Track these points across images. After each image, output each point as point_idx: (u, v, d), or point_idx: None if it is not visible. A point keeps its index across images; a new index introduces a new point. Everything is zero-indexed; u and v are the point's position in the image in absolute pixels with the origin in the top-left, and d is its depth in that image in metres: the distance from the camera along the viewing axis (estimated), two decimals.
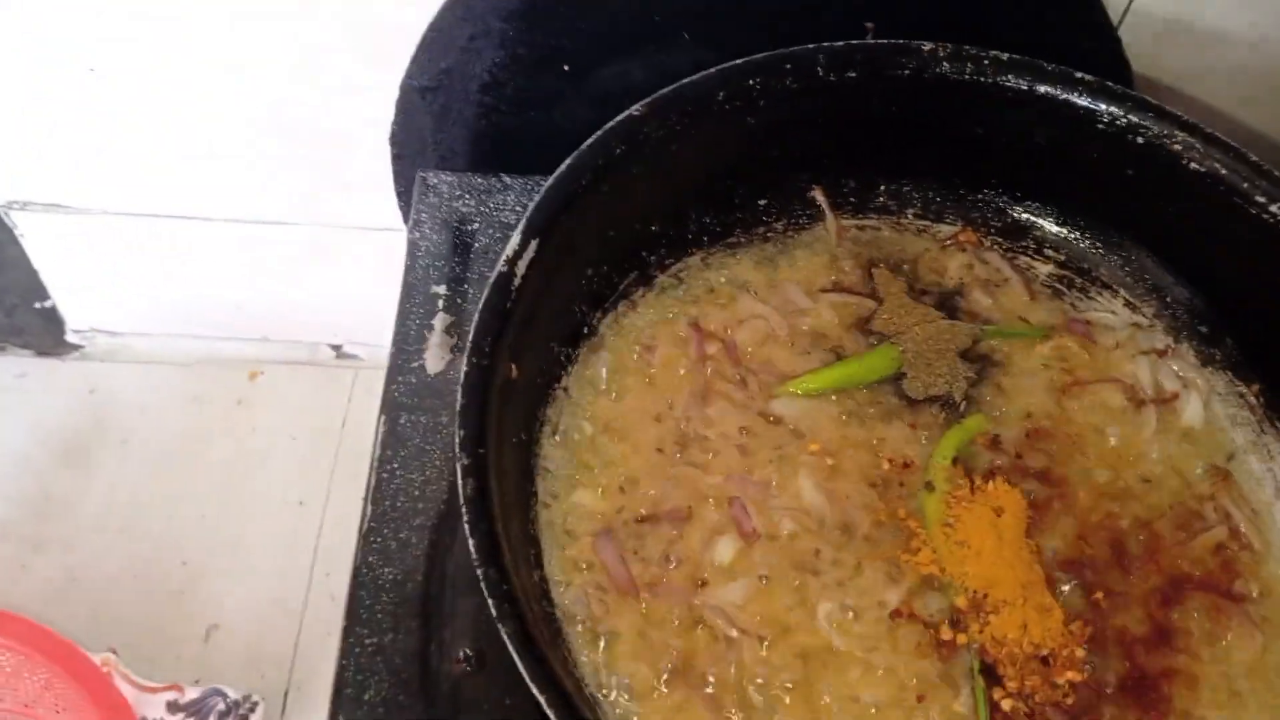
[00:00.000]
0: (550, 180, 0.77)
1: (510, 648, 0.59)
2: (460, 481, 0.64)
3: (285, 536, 1.36)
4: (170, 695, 1.21)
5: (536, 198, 0.76)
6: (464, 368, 0.68)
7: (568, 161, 0.78)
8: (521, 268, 0.73)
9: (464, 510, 0.63)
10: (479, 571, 0.61)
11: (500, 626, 0.60)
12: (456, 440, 0.65)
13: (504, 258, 0.73)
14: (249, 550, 1.35)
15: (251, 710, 1.21)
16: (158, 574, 1.33)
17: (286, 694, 1.26)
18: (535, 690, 0.58)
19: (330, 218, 1.31)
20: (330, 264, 1.36)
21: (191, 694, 1.21)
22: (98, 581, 1.32)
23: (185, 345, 1.48)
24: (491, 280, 0.72)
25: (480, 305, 0.71)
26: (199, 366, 1.47)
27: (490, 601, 0.60)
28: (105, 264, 1.39)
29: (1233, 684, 0.74)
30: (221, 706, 1.21)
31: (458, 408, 0.66)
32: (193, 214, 1.32)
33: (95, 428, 1.43)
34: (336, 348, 1.50)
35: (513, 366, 0.73)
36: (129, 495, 1.38)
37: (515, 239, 0.74)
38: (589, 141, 0.80)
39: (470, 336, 0.69)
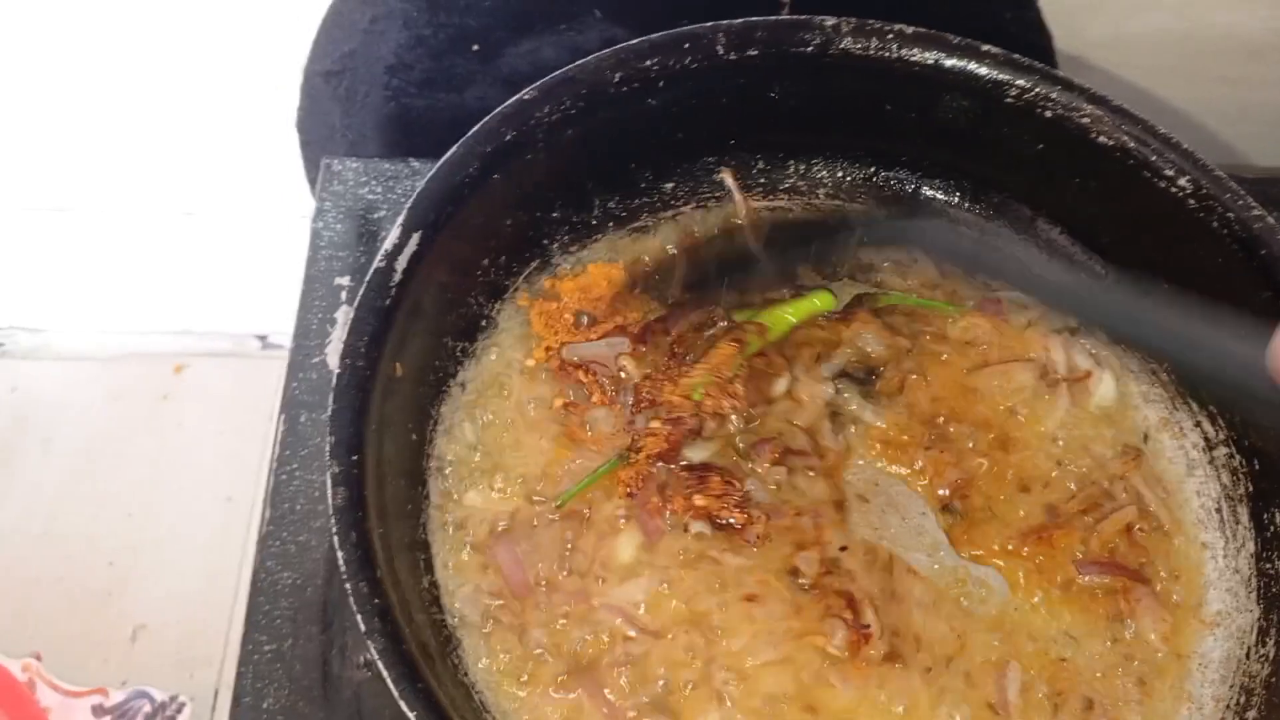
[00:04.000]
0: (433, 169, 0.75)
1: (380, 664, 0.57)
2: (330, 490, 0.61)
3: (213, 533, 1.33)
4: (95, 699, 1.18)
5: (418, 188, 0.73)
6: (336, 369, 0.66)
7: (453, 150, 0.76)
8: (402, 263, 0.71)
9: (332, 520, 0.60)
10: (347, 585, 0.59)
11: (369, 643, 0.58)
12: (327, 447, 0.63)
13: (381, 253, 0.70)
14: (176, 548, 1.32)
15: (178, 711, 1.19)
16: (82, 575, 1.30)
17: (216, 693, 1.24)
18: (404, 708, 0.56)
19: (247, 207, 1.27)
20: (251, 254, 1.33)
21: (117, 697, 1.19)
22: (20, 584, 1.28)
23: (107, 340, 1.44)
24: (368, 277, 0.69)
25: (355, 303, 0.68)
26: (122, 362, 1.43)
27: (359, 617, 0.58)
28: (23, 260, 1.36)
29: None
30: (148, 709, 1.19)
31: (328, 413, 0.64)
32: (108, 207, 1.28)
33: (16, 427, 1.39)
34: (262, 338, 1.47)
35: (396, 365, 0.71)
36: (52, 495, 1.35)
37: (394, 233, 0.71)
38: (476, 128, 0.77)
39: (344, 337, 0.66)
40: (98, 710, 1.18)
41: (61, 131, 1.18)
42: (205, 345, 1.44)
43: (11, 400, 1.42)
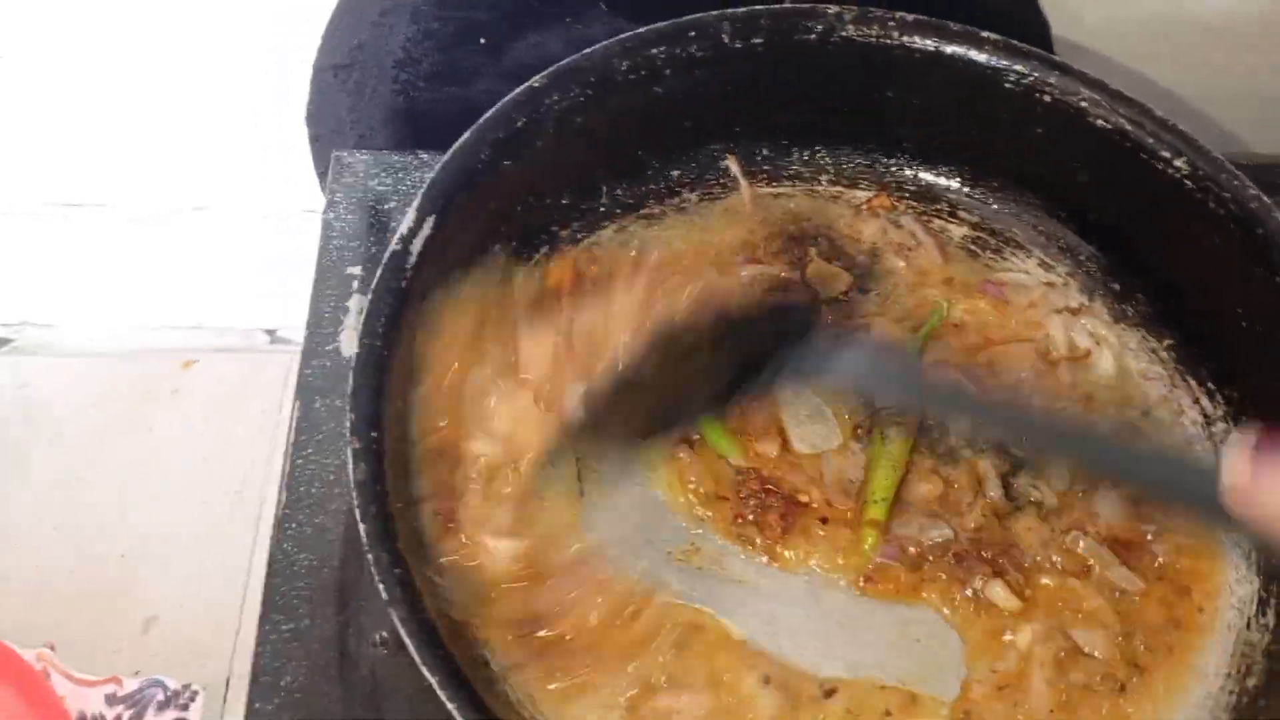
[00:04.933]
0: (447, 155, 0.76)
1: (402, 632, 0.59)
2: (351, 466, 0.63)
3: (223, 525, 1.34)
4: (109, 688, 1.20)
5: (432, 173, 0.75)
6: (355, 349, 0.67)
7: (465, 135, 0.77)
8: (417, 246, 0.72)
9: (354, 495, 0.62)
10: (369, 556, 0.60)
11: (391, 611, 0.59)
12: (348, 424, 0.64)
13: (398, 236, 0.72)
14: (187, 541, 1.33)
15: (192, 700, 1.20)
16: (94, 567, 1.31)
17: (228, 682, 1.25)
18: (426, 672, 0.58)
19: (256, 202, 1.29)
20: (260, 248, 1.35)
21: (130, 685, 1.20)
22: (33, 576, 1.30)
23: (117, 336, 1.46)
24: (385, 259, 0.71)
25: (373, 285, 0.70)
26: (132, 357, 1.45)
27: (381, 586, 0.60)
28: (33, 255, 1.37)
29: None
30: (161, 697, 1.20)
31: (349, 390, 0.65)
32: (117, 203, 1.30)
33: (26, 421, 1.40)
34: (271, 333, 1.48)
35: (415, 345, 0.72)
36: (63, 489, 1.36)
37: (410, 216, 0.73)
38: (487, 115, 0.78)
39: (362, 318, 0.68)
40: (111, 699, 1.20)
41: (71, 127, 1.20)
42: (214, 340, 1.46)
43: (22, 396, 1.43)
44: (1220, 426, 0.82)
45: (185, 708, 1.20)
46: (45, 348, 1.47)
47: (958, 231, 0.91)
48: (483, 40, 1.05)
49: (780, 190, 0.93)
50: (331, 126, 1.12)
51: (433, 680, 0.58)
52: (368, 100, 1.09)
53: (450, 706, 0.58)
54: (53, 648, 1.20)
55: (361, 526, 0.61)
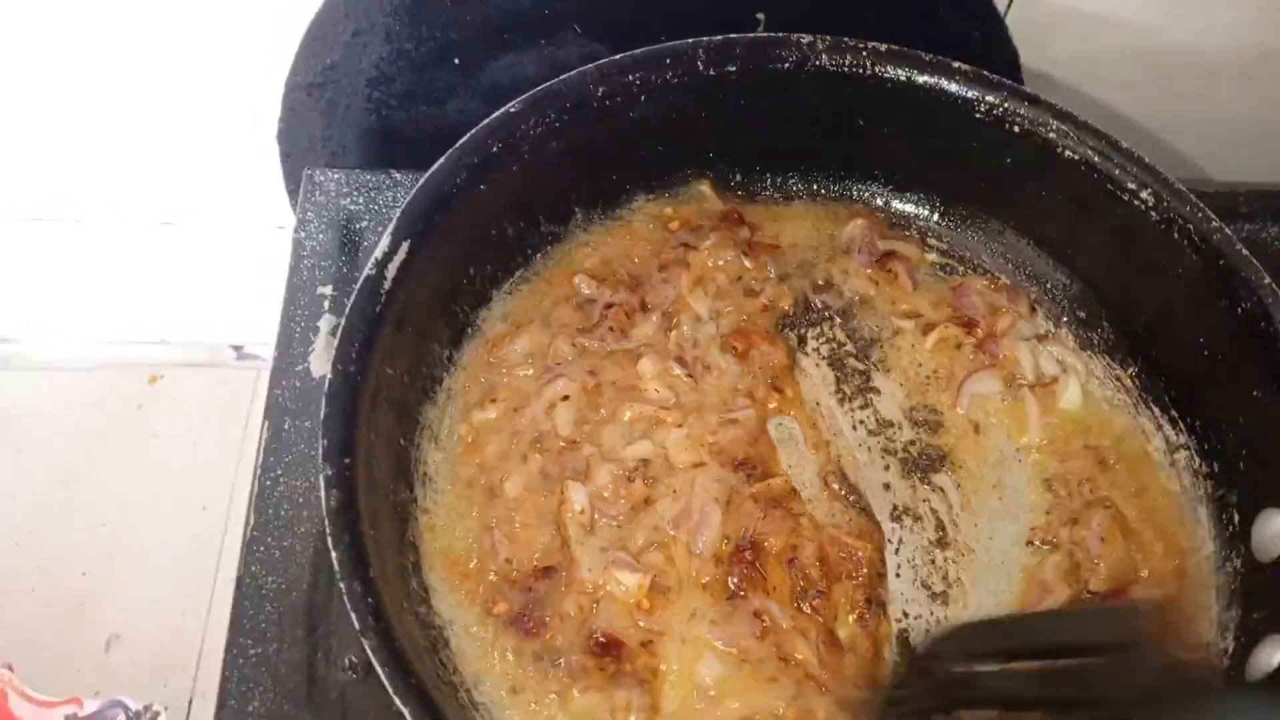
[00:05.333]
0: (423, 179, 0.76)
1: (374, 661, 0.58)
2: (323, 493, 0.63)
3: (188, 542, 1.33)
4: (69, 709, 1.17)
5: (408, 198, 0.75)
6: (328, 374, 0.67)
7: (441, 160, 0.77)
8: (392, 270, 0.72)
9: (327, 523, 0.61)
10: (341, 585, 0.60)
11: (364, 640, 0.59)
12: (320, 450, 0.64)
13: (373, 260, 0.72)
14: (151, 557, 1.32)
15: None
16: (56, 585, 1.30)
17: (191, 702, 1.24)
18: (398, 702, 0.57)
19: (225, 217, 1.28)
20: (228, 264, 1.34)
21: (91, 706, 1.18)
22: None
23: (82, 350, 1.44)
24: (359, 284, 0.71)
25: (348, 309, 0.70)
26: (97, 371, 1.44)
27: (353, 615, 0.60)
28: None
29: None
30: (122, 718, 1.18)
31: (321, 416, 0.65)
32: (82, 216, 1.28)
33: None
34: (238, 348, 1.47)
35: (387, 370, 0.72)
36: (25, 505, 1.35)
37: (385, 241, 0.73)
38: (463, 140, 0.79)
39: (329, 344, 0.67)
40: None
41: (38, 140, 1.18)
42: (180, 355, 1.45)
43: None
44: (1183, 454, 0.83)
45: None
46: (9, 361, 1.45)
47: (927, 258, 0.92)
48: (456, 61, 1.05)
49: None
50: (303, 144, 1.12)
51: (404, 709, 0.58)
52: (340, 119, 1.09)
53: None
54: (11, 668, 1.18)
55: (334, 554, 0.61)
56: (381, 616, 0.60)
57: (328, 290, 0.93)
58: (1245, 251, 0.77)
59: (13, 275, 1.35)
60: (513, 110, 0.81)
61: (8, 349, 1.45)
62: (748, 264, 0.89)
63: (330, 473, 0.63)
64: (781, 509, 0.77)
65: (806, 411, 0.84)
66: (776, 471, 0.80)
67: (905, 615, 0.77)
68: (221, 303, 1.39)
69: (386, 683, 0.58)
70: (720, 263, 0.88)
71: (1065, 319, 0.90)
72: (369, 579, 0.61)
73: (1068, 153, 0.83)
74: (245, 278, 1.34)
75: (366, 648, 0.59)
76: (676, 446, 0.79)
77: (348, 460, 0.65)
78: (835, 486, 0.81)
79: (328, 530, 0.62)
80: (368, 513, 0.65)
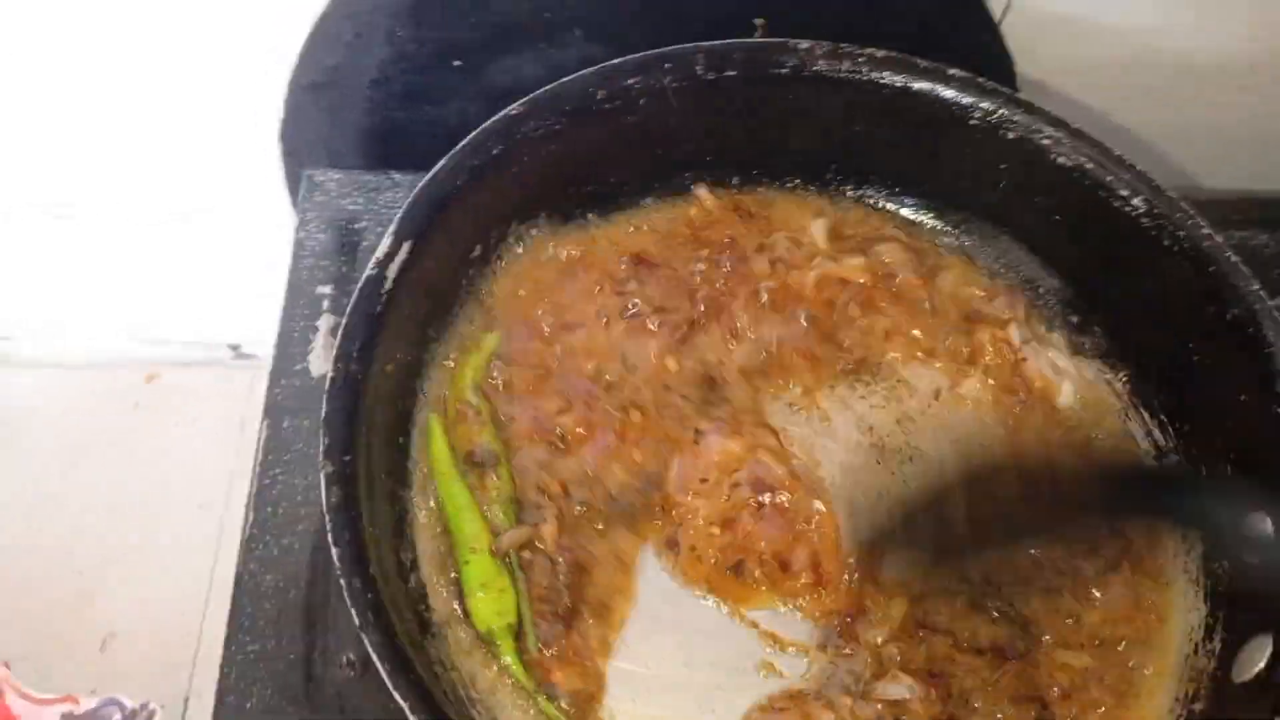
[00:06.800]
0: (424, 180, 0.77)
1: (374, 657, 0.59)
2: (324, 490, 0.63)
3: (184, 541, 1.33)
4: (65, 707, 1.18)
5: (409, 198, 0.76)
6: (330, 373, 0.67)
7: (442, 162, 0.78)
8: (393, 270, 0.73)
9: (327, 519, 0.62)
10: (342, 581, 0.61)
11: (364, 636, 0.60)
12: (321, 448, 0.65)
13: (374, 260, 0.73)
14: (147, 556, 1.32)
15: (149, 719, 1.19)
16: (53, 583, 1.30)
17: (187, 700, 1.25)
18: (398, 697, 0.58)
19: (223, 216, 1.28)
20: (226, 262, 1.34)
21: (87, 704, 1.18)
22: None
23: (79, 347, 1.44)
24: (360, 284, 0.71)
25: (349, 308, 0.70)
26: (94, 369, 1.44)
27: (353, 611, 0.60)
28: None
29: None
30: (118, 717, 1.18)
31: (323, 414, 0.66)
32: (79, 214, 1.28)
33: None
34: (235, 347, 1.47)
35: (388, 369, 0.73)
36: (22, 503, 1.35)
37: (386, 241, 0.73)
38: (464, 141, 0.79)
39: (330, 343, 0.68)
40: (67, 718, 1.18)
41: (38, 136, 1.18)
42: (177, 354, 1.45)
43: None
44: (1171, 459, 0.84)
45: None
46: (6, 359, 1.45)
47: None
48: (458, 62, 1.06)
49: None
50: (305, 144, 1.12)
51: (404, 705, 0.58)
52: (342, 119, 1.10)
53: None
54: (8, 665, 1.18)
55: (334, 551, 0.62)
56: (381, 612, 0.61)
57: (327, 290, 0.94)
58: (1235, 258, 0.78)
59: (9, 272, 1.35)
60: (513, 112, 0.81)
61: (4, 346, 1.45)
62: None
63: (331, 470, 0.64)
64: None
65: None
66: None
67: None
68: (220, 302, 1.39)
69: (386, 678, 0.59)
70: None
71: (1058, 323, 0.90)
72: (369, 575, 0.62)
73: (1061, 159, 0.84)
74: (243, 276, 1.34)
75: (366, 643, 0.60)
76: None
77: (349, 458, 0.65)
78: None
79: (328, 527, 0.62)
80: (367, 510, 0.66)
